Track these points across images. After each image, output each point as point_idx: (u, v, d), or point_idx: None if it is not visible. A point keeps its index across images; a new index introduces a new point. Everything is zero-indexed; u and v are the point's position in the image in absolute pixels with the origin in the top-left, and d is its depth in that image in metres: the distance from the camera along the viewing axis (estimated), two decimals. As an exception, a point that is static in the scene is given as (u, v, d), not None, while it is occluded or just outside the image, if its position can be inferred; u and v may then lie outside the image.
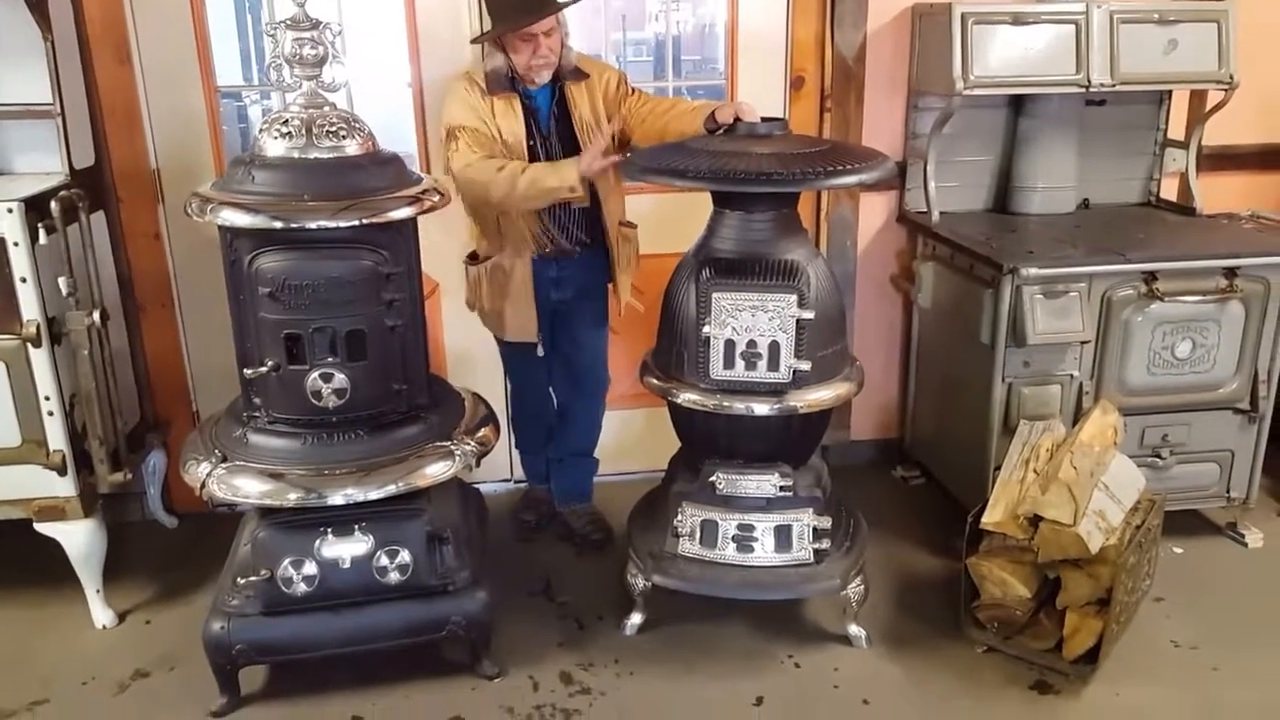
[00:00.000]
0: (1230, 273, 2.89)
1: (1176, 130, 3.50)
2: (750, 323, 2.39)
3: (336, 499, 2.32)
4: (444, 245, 3.09)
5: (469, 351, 3.36)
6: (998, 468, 2.95)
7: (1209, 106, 3.29)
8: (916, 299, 3.34)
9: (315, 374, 2.31)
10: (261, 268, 2.25)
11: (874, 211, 3.50)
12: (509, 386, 3.26)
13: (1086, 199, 3.47)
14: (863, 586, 2.67)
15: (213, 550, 2.84)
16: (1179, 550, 3.12)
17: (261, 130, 2.30)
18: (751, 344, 2.40)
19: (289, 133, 2.27)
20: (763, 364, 2.42)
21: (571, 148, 2.79)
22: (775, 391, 2.46)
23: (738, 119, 2.54)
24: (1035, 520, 2.50)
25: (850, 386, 2.58)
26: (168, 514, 3.28)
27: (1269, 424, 3.09)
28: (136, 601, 2.92)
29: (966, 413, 3.13)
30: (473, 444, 2.50)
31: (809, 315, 2.36)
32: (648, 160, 2.45)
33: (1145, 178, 3.54)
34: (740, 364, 2.43)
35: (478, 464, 2.52)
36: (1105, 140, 3.44)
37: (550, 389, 3.21)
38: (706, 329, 2.40)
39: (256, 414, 2.41)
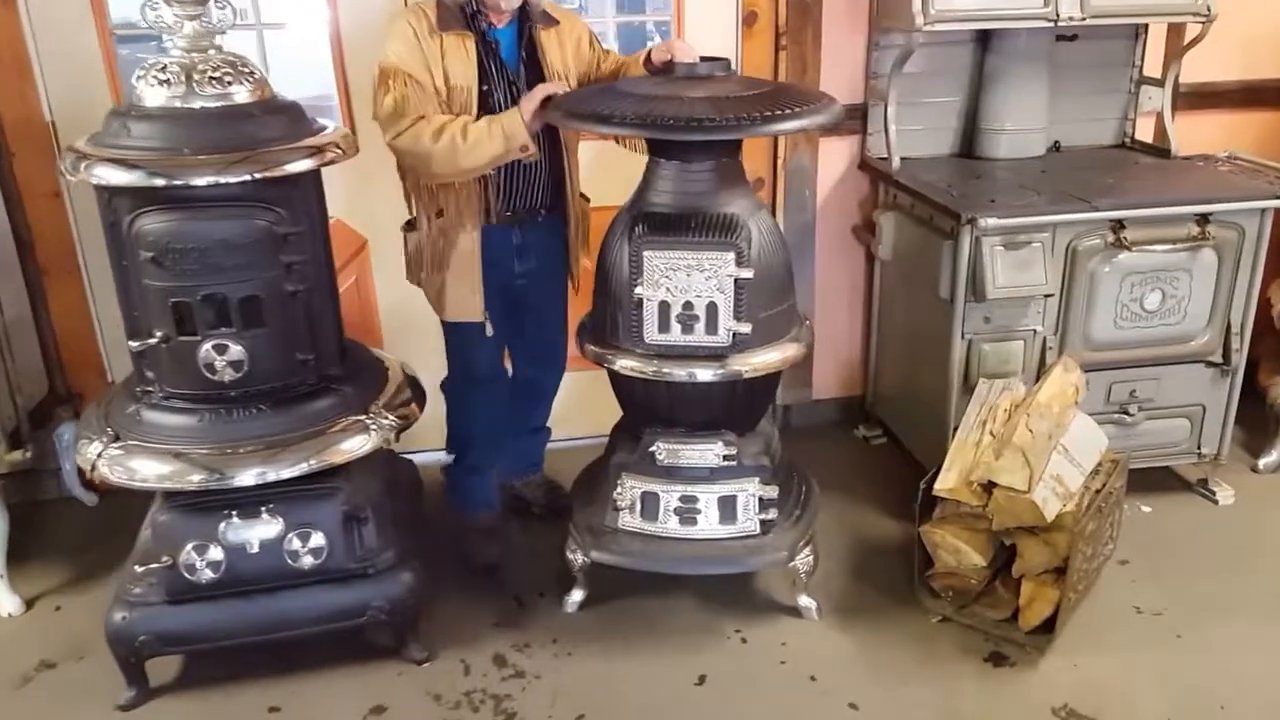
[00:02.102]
0: (1202, 219, 2.72)
1: (1153, 67, 3.30)
2: (685, 283, 2.21)
3: (244, 479, 2.15)
4: (375, 198, 2.87)
5: (409, 317, 3.11)
6: (957, 428, 2.81)
7: (1186, 41, 3.09)
8: (877, 251, 3.15)
9: (208, 345, 2.12)
10: (142, 230, 2.05)
11: (834, 158, 3.30)
12: (449, 388, 2.77)
13: (1057, 141, 3.27)
14: (812, 557, 2.53)
15: (135, 528, 2.65)
16: (1147, 509, 3.00)
17: (138, 77, 2.08)
18: (688, 306, 2.23)
19: (167, 80, 2.05)
20: (700, 327, 2.24)
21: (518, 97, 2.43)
22: (716, 356, 2.29)
23: (673, 59, 2.34)
24: (989, 486, 2.36)
25: (798, 348, 2.41)
26: (86, 490, 3.07)
27: (1242, 377, 2.95)
28: (46, 586, 2.75)
29: (927, 370, 2.97)
30: (392, 418, 2.33)
31: (748, 274, 2.18)
32: (572, 104, 2.24)
33: (1119, 118, 3.35)
34: (676, 327, 2.25)
35: (397, 438, 2.34)
36: (1077, 79, 3.23)
37: (500, 381, 2.80)
38: (639, 290, 2.22)
39: (150, 389, 2.22)
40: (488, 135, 2.27)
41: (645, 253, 2.19)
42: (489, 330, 2.58)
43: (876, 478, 3.23)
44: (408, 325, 3.13)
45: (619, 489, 2.47)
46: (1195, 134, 3.28)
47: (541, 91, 2.29)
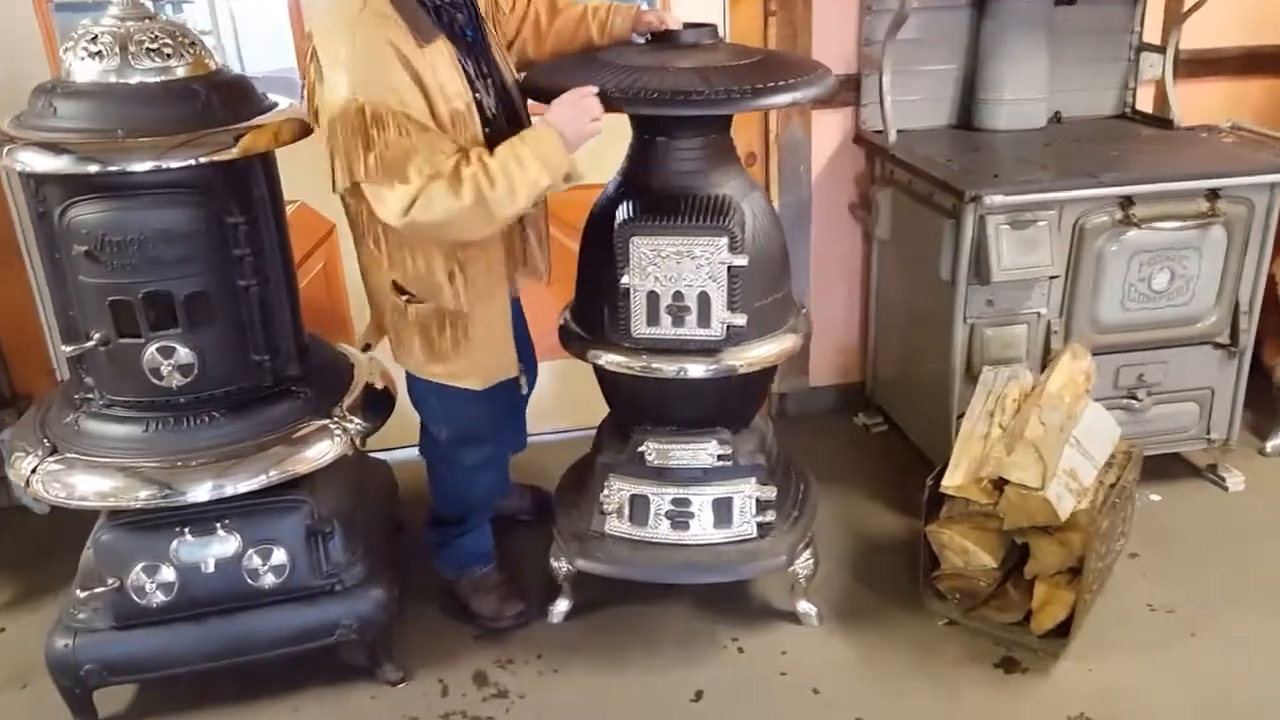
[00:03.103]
0: (1212, 194, 2.57)
1: (1151, 34, 3.15)
2: (675, 271, 2.03)
3: (197, 494, 1.96)
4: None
5: None
6: (960, 417, 2.66)
7: (1187, 5, 2.93)
8: (874, 230, 2.99)
9: (152, 348, 1.92)
10: (75, 221, 1.84)
11: (829, 131, 3.13)
12: (442, 454, 2.32)
13: (1058, 112, 3.11)
14: (812, 560, 2.38)
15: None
16: (1156, 498, 2.87)
17: (66, 49, 1.87)
18: (678, 296, 2.05)
19: (99, 51, 1.85)
20: (691, 319, 2.07)
21: (504, 97, 2.08)
22: (708, 350, 2.12)
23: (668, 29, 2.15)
24: (1000, 483, 2.21)
25: (795, 339, 2.25)
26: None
27: (1250, 358, 2.82)
28: (-12, 605, 2.56)
29: (928, 356, 2.82)
30: (358, 421, 2.15)
31: (742, 261, 2.01)
32: (544, 78, 2.05)
33: (1120, 86, 3.19)
34: (666, 319, 2.08)
35: (364, 443, 2.16)
36: (1077, 45, 3.07)
37: (504, 429, 2.44)
38: (625, 279, 2.04)
39: (90, 396, 2.02)
40: (521, 170, 1.84)
41: (632, 239, 2.01)
42: (524, 385, 2.28)
43: (877, 468, 3.09)
44: None
45: (606, 491, 2.31)
46: (1193, 102, 3.13)
47: (579, 95, 1.89)
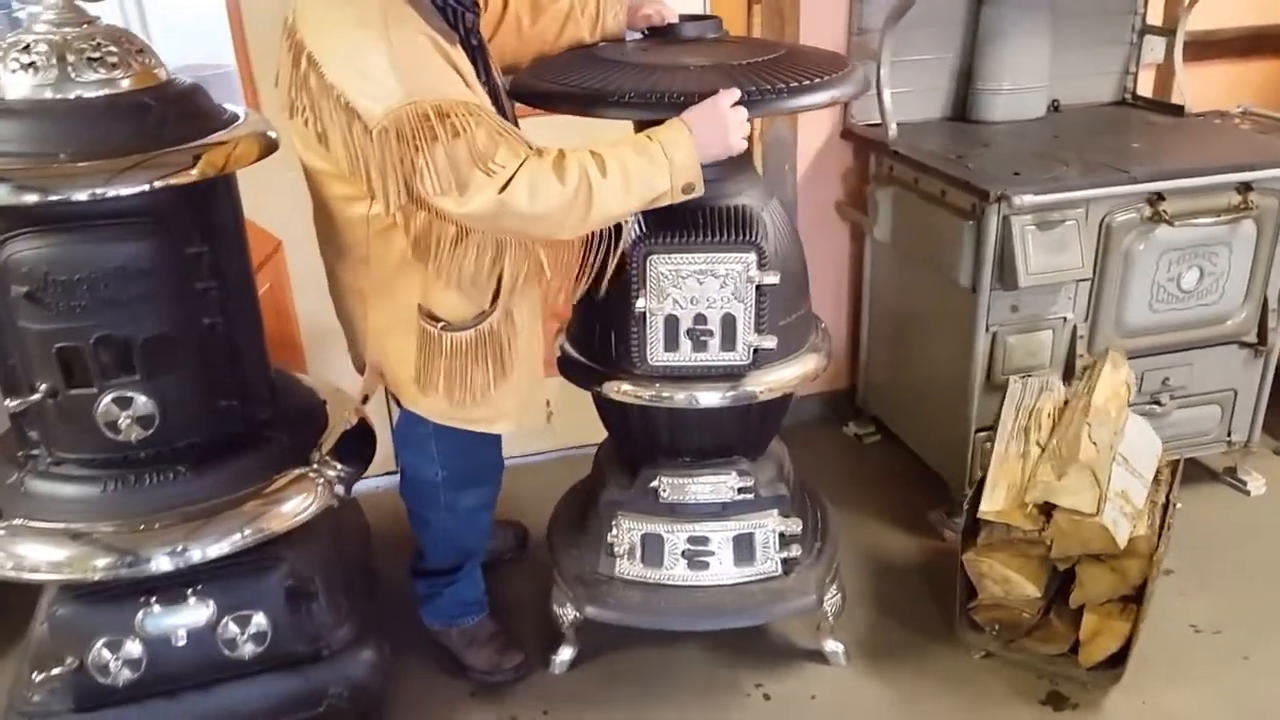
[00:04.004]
0: (1244, 187, 2.44)
1: (1153, 15, 3.02)
2: (697, 292, 1.83)
3: (162, 561, 1.72)
4: (288, 192, 2.38)
5: (329, 324, 2.64)
6: (980, 430, 2.52)
7: (1200, -15, 2.80)
8: (872, 231, 2.81)
9: (107, 399, 1.67)
10: (13, 259, 1.58)
11: (814, 127, 2.94)
12: (438, 498, 2.08)
13: (1056, 100, 2.97)
14: (840, 595, 2.20)
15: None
16: (1178, 505, 2.74)
17: (-9, 60, 1.61)
18: (700, 319, 1.85)
19: (33, 63, 1.58)
20: (714, 343, 1.88)
21: (498, 105, 1.81)
22: (729, 375, 1.92)
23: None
24: (1047, 508, 2.05)
25: (818, 359, 2.07)
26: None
27: (1277, 357, 2.70)
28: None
29: (938, 364, 2.66)
30: (339, 467, 1.92)
31: (772, 279, 1.82)
32: (546, 80, 1.83)
33: (1120, 71, 3.06)
34: (686, 344, 1.88)
35: (348, 491, 1.93)
36: (1076, 29, 2.92)
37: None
38: (641, 303, 1.84)
39: (36, 454, 1.77)
40: (642, 164, 1.63)
41: (649, 258, 1.81)
42: (551, 414, 2.07)
43: (878, 483, 2.93)
44: (329, 334, 2.63)
45: (614, 531, 2.11)
46: (1195, 86, 2.99)
47: (729, 100, 1.66)
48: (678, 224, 1.83)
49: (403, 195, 1.59)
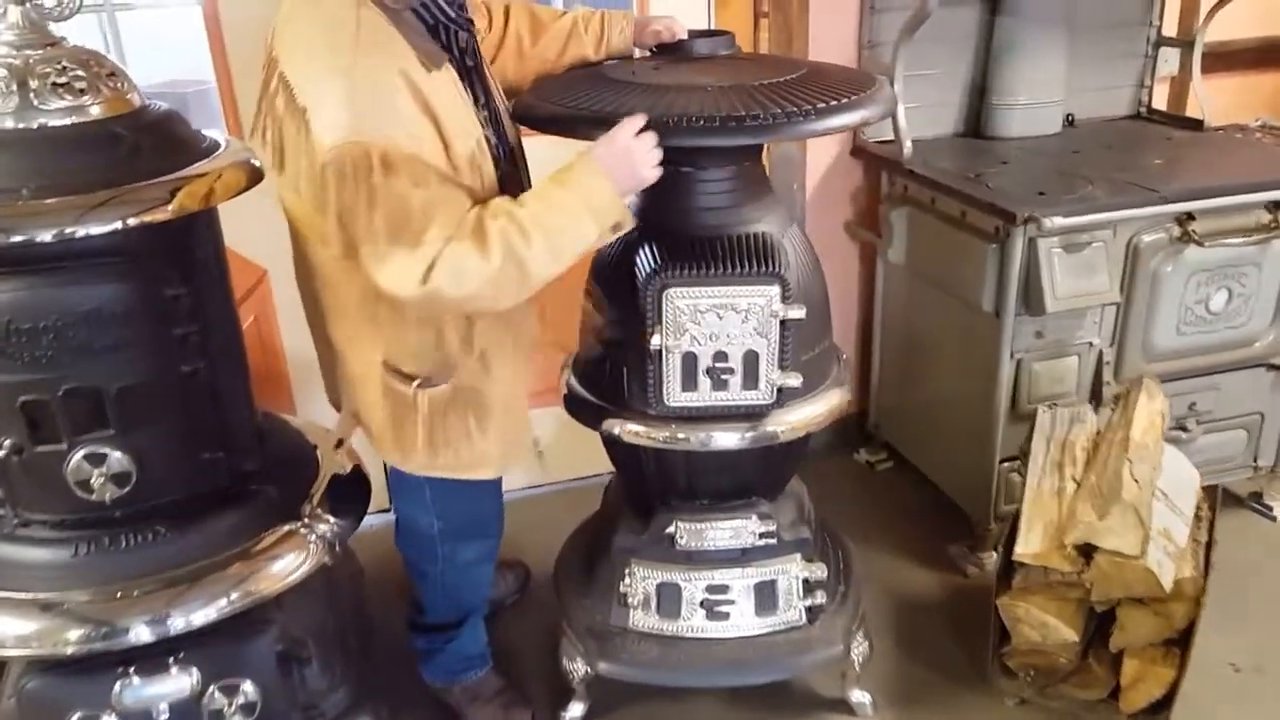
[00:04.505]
0: (1275, 206, 2.34)
1: (1167, 26, 2.93)
2: (717, 328, 1.71)
3: (141, 632, 1.57)
4: (273, 217, 2.25)
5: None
6: (1004, 460, 2.41)
7: (1221, -7, 2.71)
8: (886, 252, 2.70)
9: (78, 455, 1.52)
10: (-29, 305, 1.44)
11: (823, 144, 2.82)
12: (434, 551, 1.96)
13: (1071, 114, 2.87)
14: (867, 642, 2.08)
15: None
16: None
17: (-54, 87, 1.46)
18: (720, 356, 1.73)
19: (-9, 89, 1.44)
20: (735, 381, 1.75)
21: (500, 130, 1.73)
22: (750, 415, 1.80)
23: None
24: (1086, 549, 1.94)
25: (842, 394, 1.95)
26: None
27: (1305, 379, 2.61)
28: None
29: (957, 391, 2.54)
30: (332, 521, 1.77)
31: (797, 314, 1.69)
32: (552, 103, 1.70)
33: (1135, 85, 2.96)
34: (705, 383, 1.75)
35: (342, 546, 1.79)
36: (1090, 42, 2.83)
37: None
38: (657, 340, 1.71)
39: (0, 515, 1.62)
40: (562, 221, 1.51)
41: (666, 292, 1.68)
42: (541, 453, 1.96)
43: (893, 513, 2.81)
44: (318, 369, 2.53)
45: (627, 580, 1.98)
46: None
47: (632, 128, 1.53)
48: (694, 254, 1.70)
49: (338, 243, 1.50)
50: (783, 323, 1.70)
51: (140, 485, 1.58)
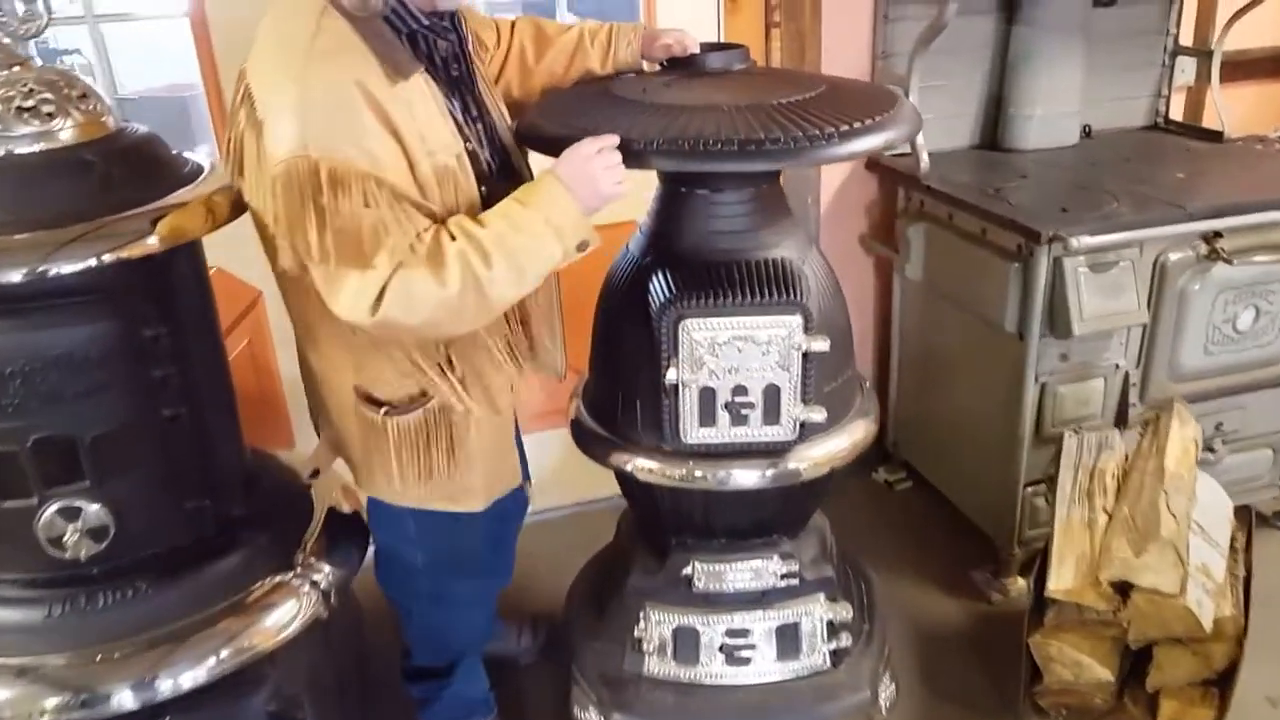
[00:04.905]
0: (1300, 221, 2.25)
1: (1183, 35, 2.85)
2: (736, 360, 1.60)
3: (123, 698, 1.45)
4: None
5: None
6: (1029, 484, 2.33)
7: (1244, 1, 2.62)
8: (903, 269, 2.60)
9: (50, 510, 1.41)
10: (-69, 350, 1.33)
11: (834, 157, 2.73)
12: (419, 589, 1.84)
13: (1088, 126, 2.78)
14: (893, 685, 1.97)
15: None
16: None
17: (-97, 112, 1.35)
18: (739, 390, 1.62)
19: (-48, 114, 1.33)
20: (755, 416, 1.64)
21: (498, 148, 1.64)
22: (771, 451, 1.69)
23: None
24: (1122, 585, 1.84)
25: (867, 426, 1.85)
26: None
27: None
28: None
29: (978, 412, 2.45)
30: (328, 568, 1.66)
31: (822, 346, 1.59)
32: (558, 123, 1.59)
33: (1152, 94, 2.88)
34: (724, 418, 1.64)
35: (339, 597, 1.68)
36: (1106, 51, 2.74)
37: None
38: (673, 374, 1.60)
39: (-34, 573, 1.50)
40: (524, 240, 1.41)
41: (682, 323, 1.57)
42: (530, 494, 1.85)
43: (913, 535, 2.71)
44: None
45: (642, 623, 1.87)
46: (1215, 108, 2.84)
47: (597, 146, 1.45)
48: (711, 282, 1.60)
49: (290, 259, 1.41)
50: (805, 355, 1.59)
51: (119, 540, 1.46)
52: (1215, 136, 2.71)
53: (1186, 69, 2.89)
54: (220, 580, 1.57)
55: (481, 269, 1.39)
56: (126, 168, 1.40)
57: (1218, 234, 2.18)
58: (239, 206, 1.49)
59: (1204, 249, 2.20)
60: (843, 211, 2.77)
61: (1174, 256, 2.20)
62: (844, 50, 2.57)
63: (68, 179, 1.35)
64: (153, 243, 1.34)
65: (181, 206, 1.40)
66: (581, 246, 1.47)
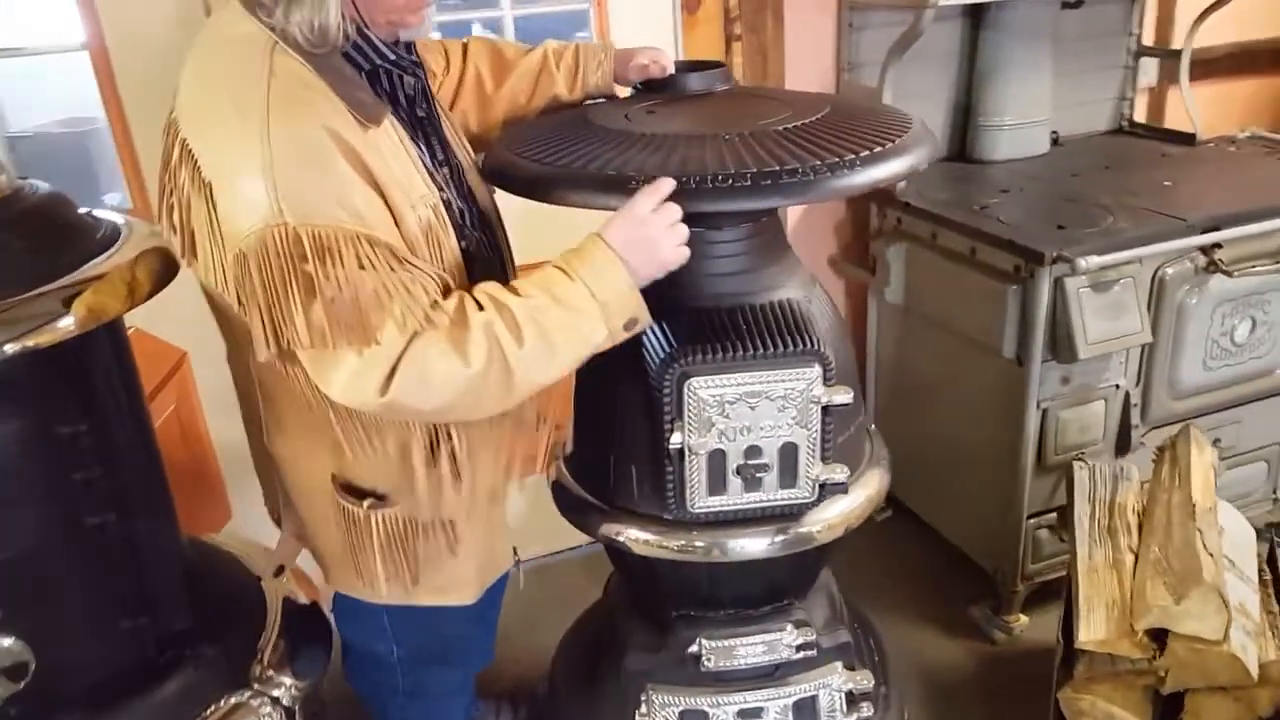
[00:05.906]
0: (1293, 228, 2.17)
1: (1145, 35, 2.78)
2: (749, 419, 1.42)
3: None
4: (190, 290, 1.90)
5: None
6: (1032, 516, 2.19)
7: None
8: (882, 292, 2.46)
9: (-46, 652, 1.18)
10: None
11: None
12: (399, 684, 1.63)
13: (1055, 133, 2.68)
14: (914, 753, 1.82)
15: None
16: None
17: None
18: (753, 452, 1.44)
19: None
20: (771, 479, 1.47)
21: (464, 191, 1.44)
22: (785, 515, 1.52)
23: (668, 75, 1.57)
24: (1158, 631, 1.71)
25: (880, 475, 1.70)
26: None
27: (1324, 406, 2.45)
28: None
29: (971, 442, 2.32)
30: (289, 680, 1.45)
31: (845, 399, 1.42)
32: (530, 158, 1.39)
33: (1116, 97, 2.81)
34: (735, 483, 1.47)
35: (305, 710, 1.46)
36: (1073, 54, 2.66)
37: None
38: (678, 438, 1.42)
39: None
40: (565, 316, 1.22)
41: (688, 381, 1.39)
42: (521, 580, 1.66)
43: (901, 570, 2.57)
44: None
45: (645, 708, 1.67)
46: (1178, 110, 2.78)
47: (654, 198, 1.23)
48: (716, 333, 1.42)
49: (272, 346, 1.16)
50: (824, 409, 1.42)
51: (42, 675, 1.23)
52: (1187, 139, 2.64)
53: (1148, 71, 2.82)
54: (168, 708, 1.35)
55: (511, 345, 1.19)
56: (29, 236, 1.17)
57: (1217, 245, 2.08)
58: (168, 273, 1.27)
59: (1202, 261, 2.10)
60: (811, 233, 2.62)
61: (1171, 270, 2.09)
62: (808, 62, 2.43)
63: (-44, 253, 1.12)
64: (67, 325, 1.11)
65: (99, 279, 1.17)
66: (629, 325, 1.27)
